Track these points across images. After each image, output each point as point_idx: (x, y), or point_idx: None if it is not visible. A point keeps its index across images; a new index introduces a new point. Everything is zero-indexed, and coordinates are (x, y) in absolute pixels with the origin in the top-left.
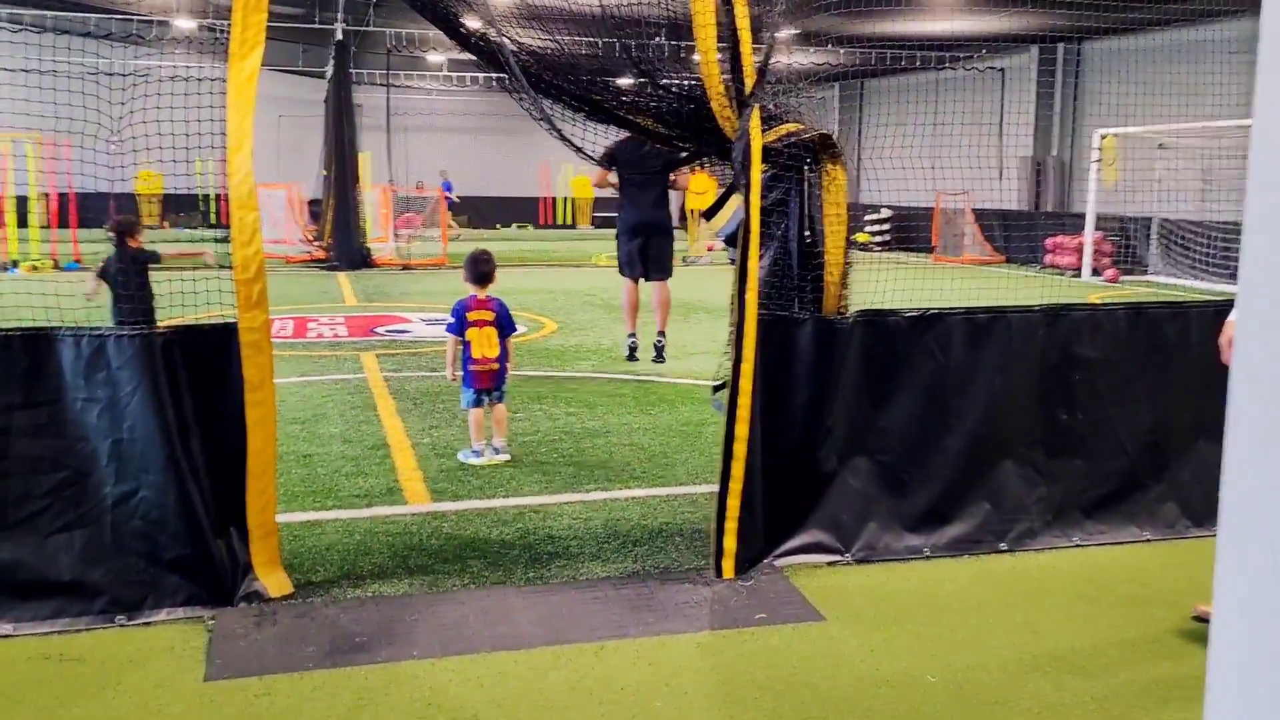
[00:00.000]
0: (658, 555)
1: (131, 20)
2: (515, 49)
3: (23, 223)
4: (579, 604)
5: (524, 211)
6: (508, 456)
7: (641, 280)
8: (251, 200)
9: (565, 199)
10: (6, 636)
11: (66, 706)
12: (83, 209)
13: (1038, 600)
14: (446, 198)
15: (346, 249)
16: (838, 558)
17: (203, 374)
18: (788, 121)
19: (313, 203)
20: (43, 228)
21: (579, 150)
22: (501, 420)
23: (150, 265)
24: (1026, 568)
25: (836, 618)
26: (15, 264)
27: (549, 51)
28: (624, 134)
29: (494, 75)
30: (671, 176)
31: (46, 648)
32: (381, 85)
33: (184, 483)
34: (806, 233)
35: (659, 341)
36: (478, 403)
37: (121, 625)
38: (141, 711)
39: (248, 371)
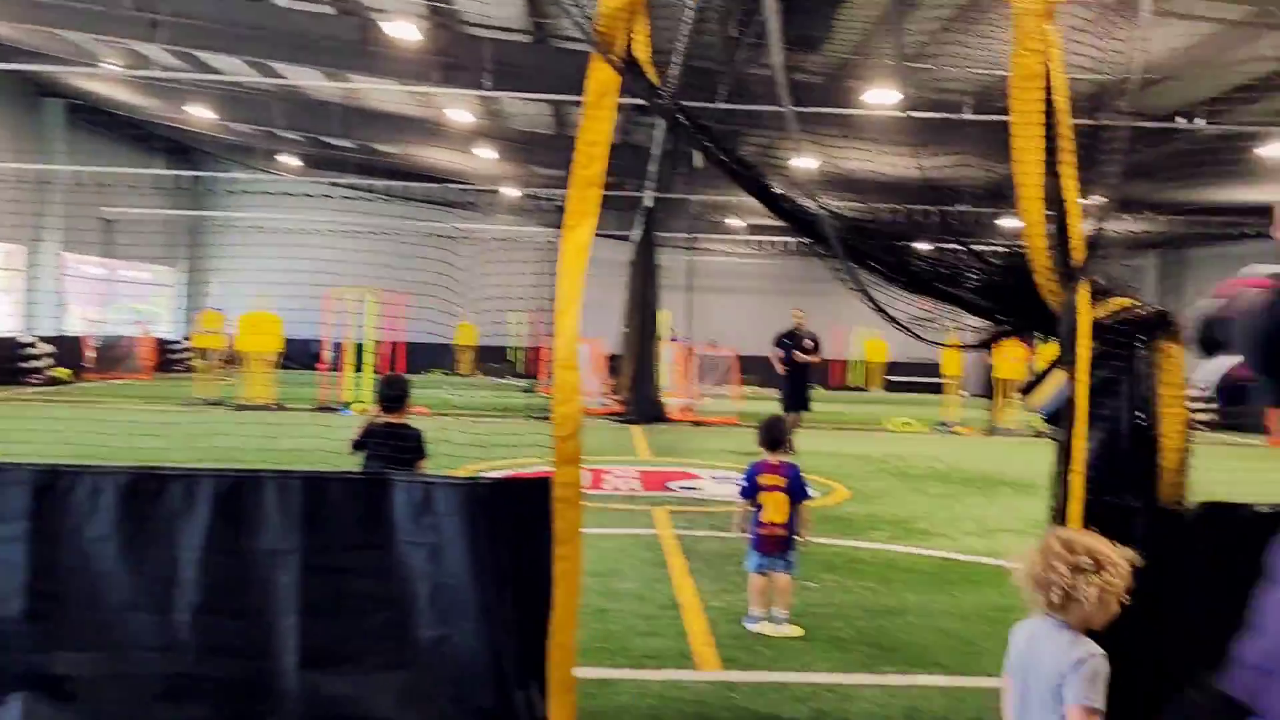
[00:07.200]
0: None
1: (466, 189)
2: (833, 219)
3: (356, 367)
4: None
5: (814, 373)
6: (788, 630)
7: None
8: (573, 360)
9: (857, 361)
10: None
11: None
12: (410, 356)
13: None
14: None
15: (642, 403)
16: None
17: (516, 525)
18: (1117, 295)
19: (611, 357)
20: (375, 373)
21: (889, 317)
22: (784, 590)
23: (405, 449)
24: None
25: None
26: (349, 405)
27: (865, 221)
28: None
29: (801, 240)
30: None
31: None
32: (682, 248)
33: (494, 631)
34: (1139, 414)
35: None
36: (761, 568)
37: None
38: None
39: (558, 526)
